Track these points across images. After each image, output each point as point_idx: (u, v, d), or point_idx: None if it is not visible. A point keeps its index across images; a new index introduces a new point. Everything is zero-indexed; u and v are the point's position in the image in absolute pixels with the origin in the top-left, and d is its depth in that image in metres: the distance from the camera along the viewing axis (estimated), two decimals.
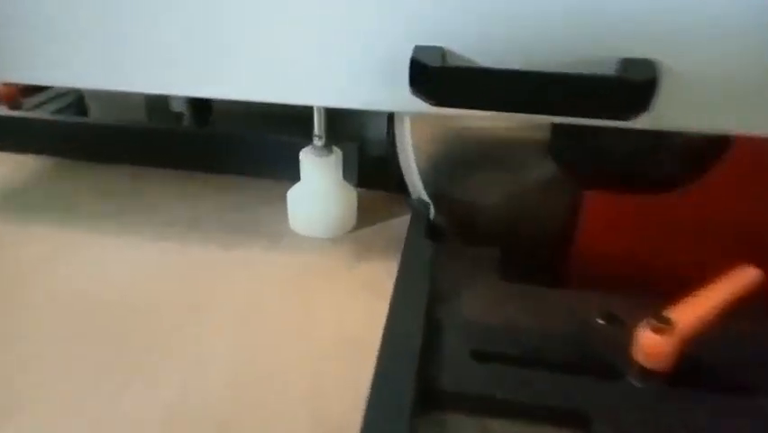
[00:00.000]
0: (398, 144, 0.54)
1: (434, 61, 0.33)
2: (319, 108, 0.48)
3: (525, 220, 0.55)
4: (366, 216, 0.55)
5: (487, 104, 0.33)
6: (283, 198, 0.53)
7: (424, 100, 0.34)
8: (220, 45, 0.37)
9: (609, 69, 0.33)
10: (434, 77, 0.33)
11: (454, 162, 0.54)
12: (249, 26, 0.36)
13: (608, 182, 0.50)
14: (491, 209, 0.56)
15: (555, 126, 0.51)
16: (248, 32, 0.37)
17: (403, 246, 0.48)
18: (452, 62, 0.34)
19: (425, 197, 0.55)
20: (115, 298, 0.44)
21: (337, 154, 0.51)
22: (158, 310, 0.43)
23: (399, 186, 0.60)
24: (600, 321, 0.43)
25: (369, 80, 0.37)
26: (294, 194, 0.53)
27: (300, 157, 0.51)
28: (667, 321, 0.36)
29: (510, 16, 0.33)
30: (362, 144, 0.60)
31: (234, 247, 0.50)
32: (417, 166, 0.54)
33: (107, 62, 0.39)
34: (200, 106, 0.67)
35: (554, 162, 0.51)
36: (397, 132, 0.54)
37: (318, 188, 0.51)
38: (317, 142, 0.50)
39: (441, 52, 0.35)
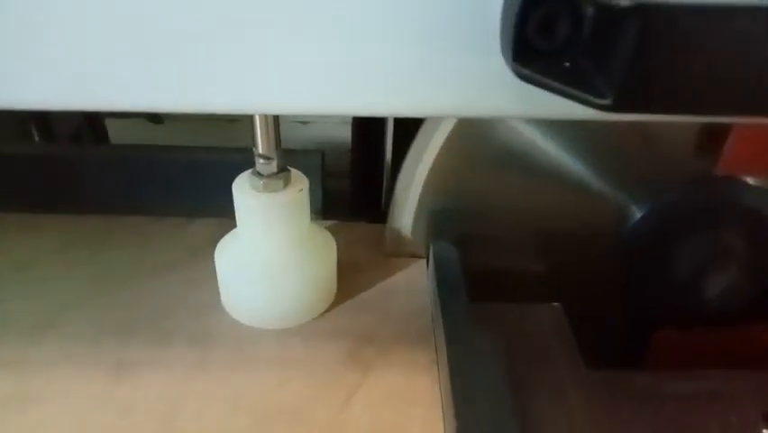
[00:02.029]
0: (409, 164, 0.33)
1: None
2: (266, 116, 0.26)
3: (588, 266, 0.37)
4: (341, 272, 0.33)
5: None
6: (209, 255, 0.31)
7: (573, 94, 0.14)
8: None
9: None
10: (621, 35, 0.13)
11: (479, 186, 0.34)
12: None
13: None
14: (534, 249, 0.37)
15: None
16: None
17: (441, 335, 0.28)
18: None
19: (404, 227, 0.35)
20: None
21: (299, 184, 0.29)
22: None
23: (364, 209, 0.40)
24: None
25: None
26: (227, 254, 0.31)
27: (234, 192, 0.29)
28: None
29: None
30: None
31: (119, 373, 0.27)
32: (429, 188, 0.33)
33: None
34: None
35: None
36: (415, 147, 0.32)
37: (269, 246, 0.30)
38: (264, 166, 0.28)
39: None
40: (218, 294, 0.31)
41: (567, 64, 0.15)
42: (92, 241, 0.34)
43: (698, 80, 0.14)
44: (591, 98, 0.14)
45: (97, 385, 0.27)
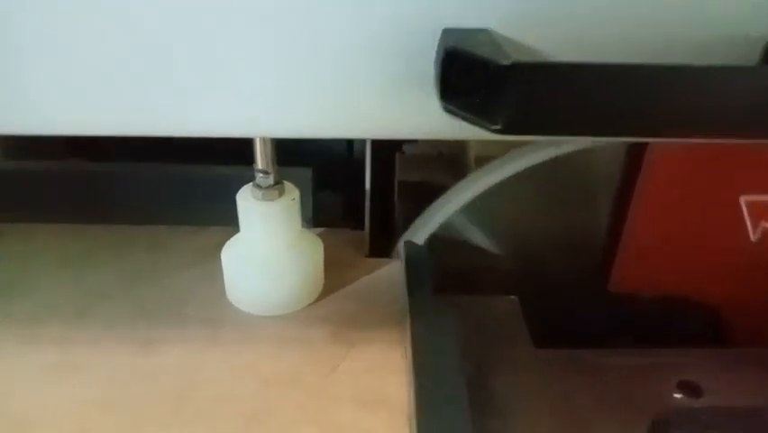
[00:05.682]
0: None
1: (496, 55, 0.20)
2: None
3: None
4: (328, 270, 0.39)
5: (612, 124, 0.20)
6: (217, 256, 0.37)
7: (477, 122, 0.21)
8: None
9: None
10: (504, 82, 0.19)
11: None
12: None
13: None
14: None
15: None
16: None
17: (409, 320, 0.34)
18: (518, 57, 0.20)
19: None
20: None
21: (292, 194, 0.36)
22: None
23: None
24: (678, 395, 0.34)
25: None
26: (231, 254, 0.37)
27: (238, 201, 0.35)
28: None
29: None
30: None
31: (147, 348, 0.33)
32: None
33: None
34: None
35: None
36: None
37: (267, 246, 0.36)
38: (262, 180, 0.34)
39: (491, 38, 0.21)
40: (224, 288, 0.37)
41: (478, 101, 0.22)
42: (119, 245, 0.41)
43: (559, 112, 0.20)
44: (489, 125, 0.21)
45: (128, 358, 0.33)
